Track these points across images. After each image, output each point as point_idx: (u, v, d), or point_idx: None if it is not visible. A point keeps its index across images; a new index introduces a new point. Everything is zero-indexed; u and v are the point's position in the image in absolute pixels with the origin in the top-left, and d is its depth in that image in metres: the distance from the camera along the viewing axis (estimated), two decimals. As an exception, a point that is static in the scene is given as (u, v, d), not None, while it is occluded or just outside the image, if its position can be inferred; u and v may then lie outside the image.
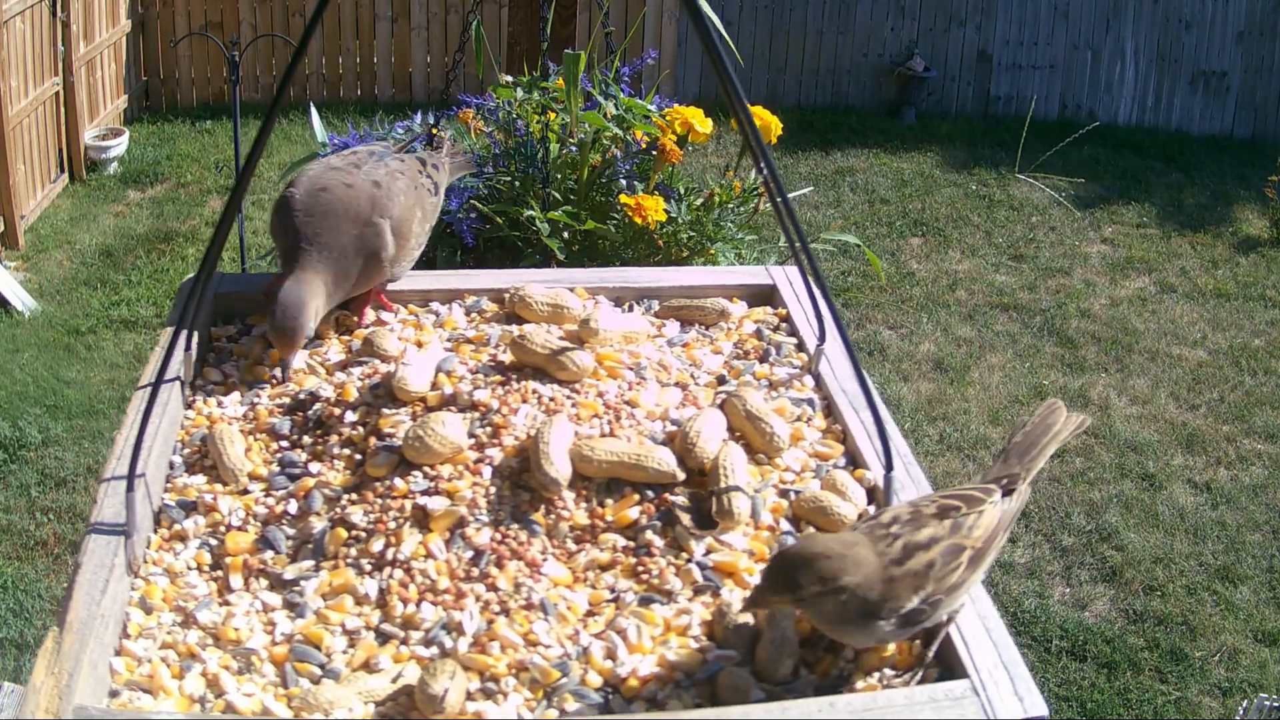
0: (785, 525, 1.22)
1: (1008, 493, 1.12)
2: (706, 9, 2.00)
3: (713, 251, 2.09)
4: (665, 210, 1.99)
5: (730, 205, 2.13)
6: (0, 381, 4.72)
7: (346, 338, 1.50)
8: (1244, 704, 3.27)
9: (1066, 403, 5.13)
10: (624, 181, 2.12)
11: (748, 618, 1.09)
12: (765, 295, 1.64)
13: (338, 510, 1.20)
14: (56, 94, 6.53)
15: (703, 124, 2.12)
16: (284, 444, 1.30)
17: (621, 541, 1.19)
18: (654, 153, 2.11)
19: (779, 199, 1.23)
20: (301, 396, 1.36)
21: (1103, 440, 4.80)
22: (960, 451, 4.66)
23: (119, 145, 7.05)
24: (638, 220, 1.96)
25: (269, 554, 1.17)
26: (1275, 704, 3.15)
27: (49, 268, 5.85)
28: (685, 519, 1.20)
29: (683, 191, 2.12)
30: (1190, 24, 8.76)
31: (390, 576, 1.13)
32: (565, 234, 2.03)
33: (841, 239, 2.73)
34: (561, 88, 2.13)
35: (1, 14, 5.61)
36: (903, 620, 1.02)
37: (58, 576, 3.67)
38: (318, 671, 1.06)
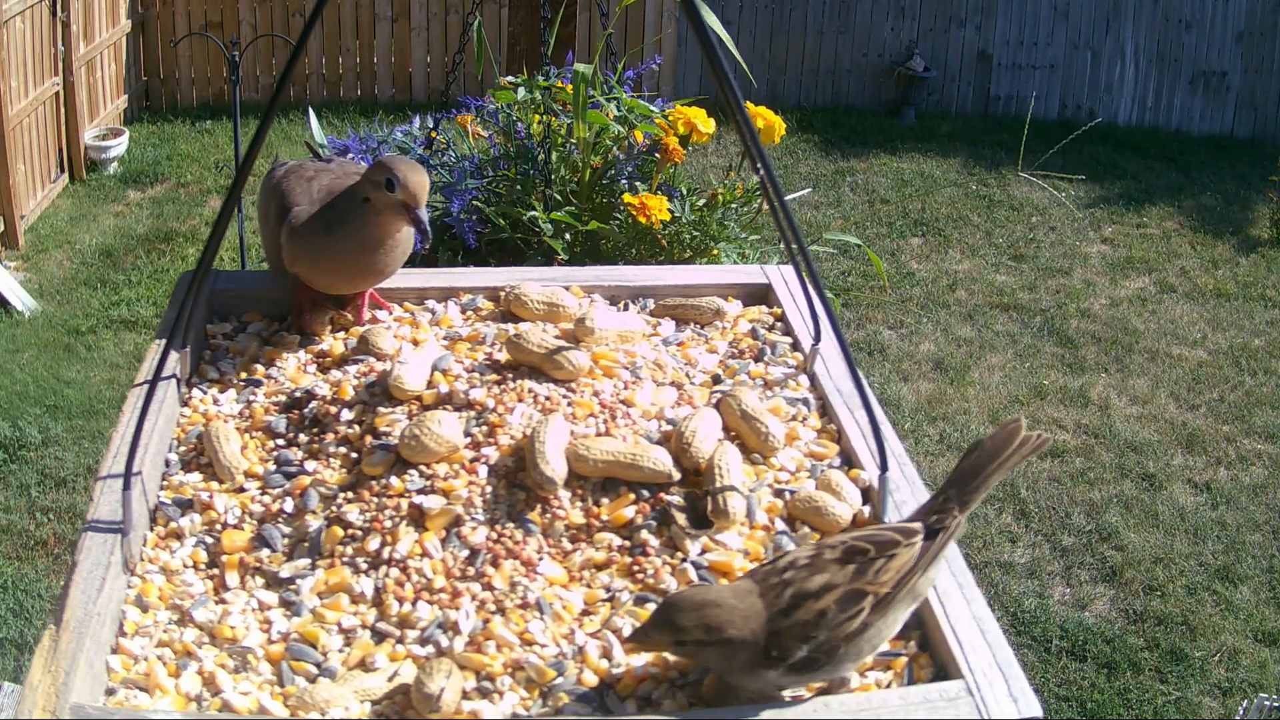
0: (780, 525, 1.22)
1: (932, 534, 1.05)
2: (710, 19, 2.01)
3: (716, 251, 2.09)
4: (669, 210, 1.99)
5: (733, 205, 2.13)
6: (0, 381, 4.72)
7: (342, 335, 1.50)
8: (1244, 704, 3.27)
9: (1066, 403, 5.09)
10: (625, 182, 2.12)
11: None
12: (760, 294, 1.64)
13: (333, 509, 1.20)
14: (56, 94, 6.53)
15: (705, 124, 2.12)
16: (280, 442, 1.30)
17: (617, 541, 1.19)
18: (655, 153, 2.11)
19: (775, 200, 1.23)
20: (297, 394, 1.36)
21: (1103, 440, 4.80)
22: (960, 452, 4.65)
23: (119, 145, 7.05)
24: (642, 220, 1.96)
25: (265, 552, 1.17)
26: (1275, 704, 3.15)
27: (49, 268, 5.85)
28: (680, 518, 1.20)
29: (685, 191, 2.12)
30: (1190, 24, 8.75)
31: (386, 575, 1.13)
32: (568, 235, 2.03)
33: (843, 239, 2.73)
34: (562, 88, 2.13)
35: (1, 14, 5.60)
36: (791, 670, 0.99)
37: (57, 576, 3.67)
38: (314, 670, 1.06)
